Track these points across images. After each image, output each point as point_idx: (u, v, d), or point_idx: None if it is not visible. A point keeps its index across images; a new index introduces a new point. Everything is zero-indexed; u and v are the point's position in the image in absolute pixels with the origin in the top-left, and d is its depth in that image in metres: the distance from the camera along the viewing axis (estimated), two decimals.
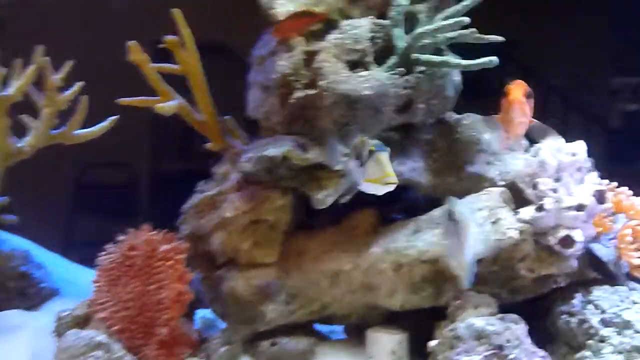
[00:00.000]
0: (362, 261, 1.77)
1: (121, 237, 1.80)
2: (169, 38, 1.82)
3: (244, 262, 1.79)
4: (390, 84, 1.69)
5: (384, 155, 1.38)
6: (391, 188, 1.40)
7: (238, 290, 1.78)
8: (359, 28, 1.72)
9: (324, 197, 1.68)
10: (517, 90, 1.53)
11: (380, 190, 1.41)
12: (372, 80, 1.67)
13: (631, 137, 2.78)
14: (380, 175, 1.37)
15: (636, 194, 1.85)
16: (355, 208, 1.87)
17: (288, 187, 1.75)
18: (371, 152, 1.39)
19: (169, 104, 1.78)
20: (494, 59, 1.63)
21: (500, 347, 1.54)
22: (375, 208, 1.88)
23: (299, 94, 1.69)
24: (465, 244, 1.44)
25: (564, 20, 2.62)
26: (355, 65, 1.71)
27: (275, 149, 1.68)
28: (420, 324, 1.76)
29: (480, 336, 1.56)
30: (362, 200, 1.86)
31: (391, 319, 1.81)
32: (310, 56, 1.71)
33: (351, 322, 1.86)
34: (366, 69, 1.70)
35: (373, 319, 1.83)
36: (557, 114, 2.72)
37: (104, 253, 1.79)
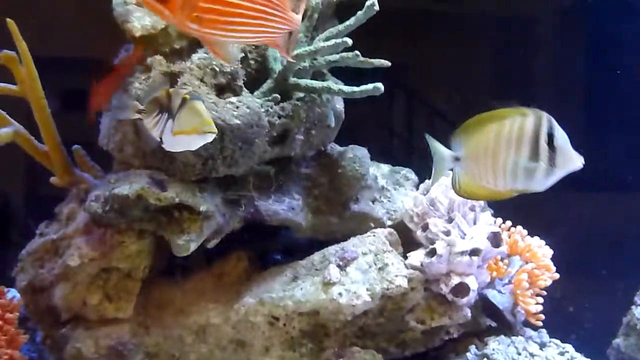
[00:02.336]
0: (233, 313, 1.55)
1: None
2: (6, 53, 1.54)
3: (92, 319, 1.53)
4: (263, 112, 1.48)
5: (200, 103, 1.16)
6: (210, 138, 1.19)
7: (85, 353, 1.50)
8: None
9: (186, 243, 1.44)
10: None
11: (197, 141, 1.20)
12: (243, 107, 1.45)
13: None
14: (196, 124, 1.15)
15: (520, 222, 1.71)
16: (228, 249, 1.65)
17: (145, 230, 1.49)
18: (184, 101, 1.17)
19: (1, 132, 1.49)
20: (379, 85, 1.46)
21: None
22: (249, 250, 1.67)
23: None
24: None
25: (450, 47, 2.55)
26: (223, 89, 1.48)
27: (127, 187, 1.43)
28: None
29: None
30: (235, 240, 1.66)
31: None
32: (170, 78, 1.46)
33: None
34: (236, 95, 1.48)
35: None
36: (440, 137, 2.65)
37: None
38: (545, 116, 1.14)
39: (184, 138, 1.19)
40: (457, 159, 1.18)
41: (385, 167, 1.75)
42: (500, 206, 1.71)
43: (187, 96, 1.18)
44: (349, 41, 1.43)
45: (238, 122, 1.43)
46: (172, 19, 1.13)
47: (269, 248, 1.77)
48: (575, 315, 2.36)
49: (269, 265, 1.67)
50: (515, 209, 1.75)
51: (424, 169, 1.70)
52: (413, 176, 1.75)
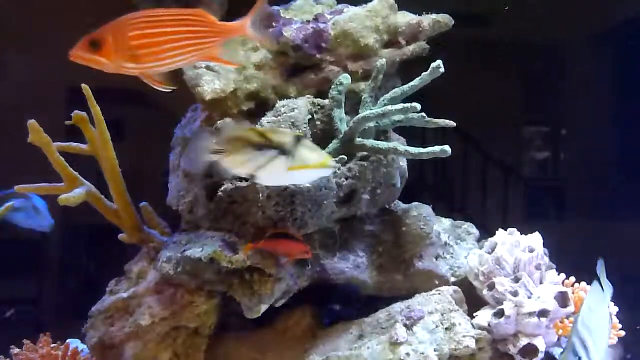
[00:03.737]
0: None
1: (15, 351, 1.52)
2: (78, 113, 1.58)
3: None
4: (332, 174, 1.50)
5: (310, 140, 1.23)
6: (331, 172, 1.29)
7: None
8: (296, 110, 1.52)
9: (257, 305, 1.46)
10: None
11: (316, 174, 1.29)
12: None
13: (543, 183, 2.76)
14: (320, 159, 1.22)
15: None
16: (290, 302, 1.66)
17: (214, 290, 1.52)
18: (299, 138, 1.23)
19: (75, 194, 1.53)
20: (447, 148, 1.47)
21: None
22: (310, 302, 1.68)
23: (228, 186, 1.47)
24: None
25: (479, 71, 2.56)
26: None
27: (200, 250, 1.46)
28: None
29: None
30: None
31: None
32: None
33: None
34: None
35: None
36: (474, 163, 2.66)
37: None
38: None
39: (302, 173, 1.24)
40: None
41: (447, 222, 1.76)
42: (560, 260, 1.72)
43: (301, 133, 1.24)
44: (418, 106, 1.44)
45: (308, 185, 1.45)
46: (110, 65, 1.18)
47: (329, 300, 1.78)
48: None
49: (326, 315, 1.68)
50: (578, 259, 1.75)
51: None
52: (474, 230, 1.75)
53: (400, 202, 1.67)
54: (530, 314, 1.48)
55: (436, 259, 1.66)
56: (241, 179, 1.45)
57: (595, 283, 1.35)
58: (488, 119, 2.61)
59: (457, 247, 1.71)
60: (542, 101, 2.76)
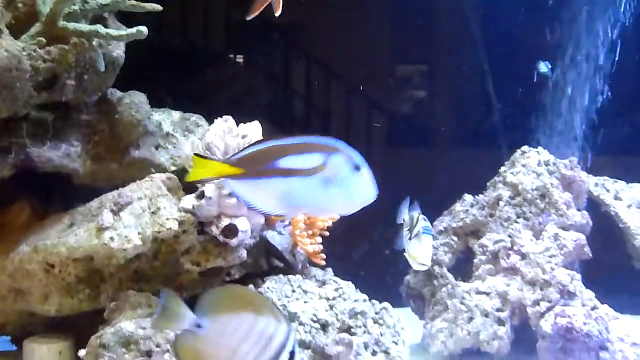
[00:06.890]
0: (9, 263, 1.54)
1: None
2: None
3: None
4: (26, 56, 1.45)
5: (429, 239, 1.53)
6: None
7: None
8: None
9: None
10: None
11: (413, 266, 1.57)
12: (1, 51, 1.41)
13: (417, 122, 2.82)
14: (418, 256, 1.52)
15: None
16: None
17: None
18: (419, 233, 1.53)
19: None
20: (143, 29, 1.46)
21: (149, 354, 1.38)
22: (35, 199, 1.65)
23: None
24: None
25: (350, 6, 2.57)
26: None
27: None
28: (88, 330, 1.55)
29: (128, 342, 1.39)
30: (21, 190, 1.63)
31: (56, 326, 1.60)
32: None
33: (9, 332, 1.62)
34: None
35: (35, 328, 1.62)
36: (341, 101, 2.69)
37: None
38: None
39: (410, 257, 1.56)
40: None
41: (177, 114, 1.76)
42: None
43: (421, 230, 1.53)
44: None
45: None
46: None
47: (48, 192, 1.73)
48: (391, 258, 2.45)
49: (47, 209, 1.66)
50: None
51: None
52: (204, 122, 1.76)
53: (117, 91, 1.65)
54: (231, 195, 1.50)
55: (156, 148, 1.66)
56: None
57: None
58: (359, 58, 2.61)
59: (183, 138, 1.71)
60: (412, 42, 2.77)
